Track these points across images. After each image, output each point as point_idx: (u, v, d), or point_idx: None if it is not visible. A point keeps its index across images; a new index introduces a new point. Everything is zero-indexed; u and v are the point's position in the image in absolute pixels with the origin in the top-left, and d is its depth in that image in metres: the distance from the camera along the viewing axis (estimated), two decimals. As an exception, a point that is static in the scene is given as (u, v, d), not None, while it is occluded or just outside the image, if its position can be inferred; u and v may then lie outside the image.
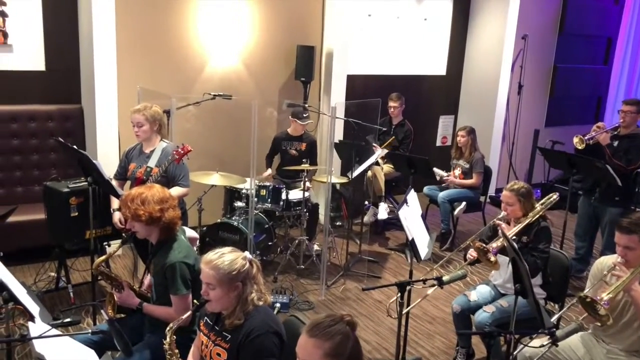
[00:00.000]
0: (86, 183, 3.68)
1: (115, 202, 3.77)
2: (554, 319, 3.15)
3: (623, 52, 8.22)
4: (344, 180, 5.27)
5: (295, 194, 5.13)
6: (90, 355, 2.19)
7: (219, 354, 2.27)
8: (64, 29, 5.05)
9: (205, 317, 2.41)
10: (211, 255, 2.28)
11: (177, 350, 2.33)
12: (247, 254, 2.34)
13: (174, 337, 2.32)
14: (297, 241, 5.09)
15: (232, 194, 5.11)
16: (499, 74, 7.13)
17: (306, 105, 5.27)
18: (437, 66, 7.31)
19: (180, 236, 2.86)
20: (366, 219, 5.90)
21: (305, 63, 5.74)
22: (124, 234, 3.71)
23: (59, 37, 5.04)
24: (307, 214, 5.09)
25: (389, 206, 6.05)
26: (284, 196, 4.99)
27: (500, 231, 3.38)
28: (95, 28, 4.71)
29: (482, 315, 3.40)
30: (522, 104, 7.55)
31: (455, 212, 5.75)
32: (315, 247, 5.28)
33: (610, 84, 8.29)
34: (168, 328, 2.33)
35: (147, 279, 3.13)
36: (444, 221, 5.79)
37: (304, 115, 5.28)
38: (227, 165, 5.07)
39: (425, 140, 7.24)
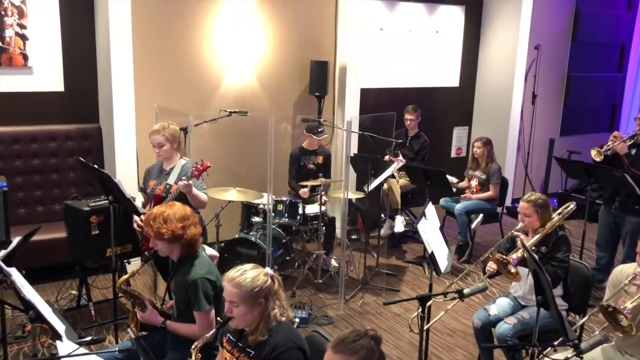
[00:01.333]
0: (106, 201, 3.74)
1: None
2: (575, 327, 3.12)
3: (637, 59, 8.18)
4: (360, 195, 5.28)
5: (312, 209, 5.15)
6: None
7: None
8: (82, 50, 5.15)
9: (228, 334, 2.43)
10: (233, 272, 2.30)
11: (201, 365, 2.35)
12: (268, 269, 2.36)
13: (199, 355, 2.33)
14: (314, 255, 5.10)
15: (249, 209, 5.14)
16: (513, 84, 7.12)
17: (321, 119, 5.29)
18: (450, 78, 7.33)
19: (202, 253, 2.89)
20: (383, 232, 5.89)
21: (319, 78, 5.79)
22: (146, 252, 3.75)
23: (77, 58, 5.14)
24: (324, 228, 5.10)
25: (405, 219, 6.05)
26: (300, 210, 5.01)
27: (519, 242, 3.37)
28: (113, 48, 4.80)
29: (503, 327, 3.38)
30: (536, 114, 7.53)
31: (473, 225, 5.73)
32: (333, 262, 5.28)
33: (625, 91, 8.24)
34: (193, 347, 2.35)
35: (170, 302, 3.15)
36: (461, 233, 5.77)
37: (319, 130, 5.31)
38: (244, 181, 5.11)
39: (440, 152, 7.23)
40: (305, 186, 5.19)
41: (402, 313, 4.62)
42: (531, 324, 3.22)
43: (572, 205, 3.60)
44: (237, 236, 4.89)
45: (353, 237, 6.17)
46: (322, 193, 4.98)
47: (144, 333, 3.01)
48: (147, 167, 4.08)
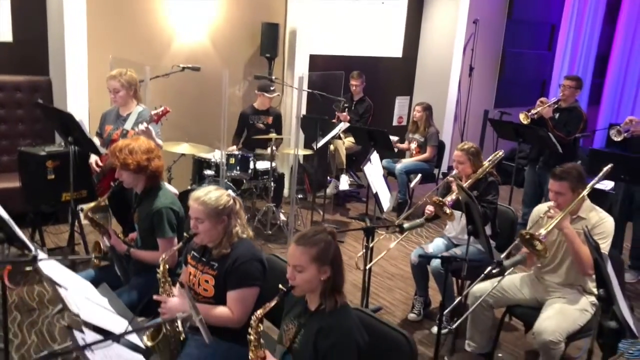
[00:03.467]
0: (61, 148, 3.83)
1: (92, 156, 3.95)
2: (503, 255, 3.49)
3: (565, 38, 8.78)
4: (309, 152, 5.54)
5: (262, 164, 5.37)
6: (87, 286, 2.37)
7: (207, 281, 2.52)
8: (32, 0, 5.11)
9: (192, 252, 2.65)
10: (199, 192, 2.52)
11: (169, 278, 2.56)
12: (230, 192, 2.59)
13: (166, 266, 2.55)
14: (264, 209, 5.33)
15: (201, 163, 5.29)
16: (452, 57, 7.54)
17: (273, 78, 5.48)
18: (394, 48, 7.65)
19: (165, 185, 3.07)
20: (328, 191, 6.20)
21: (270, 40, 5.97)
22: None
23: (27, 7, 5.09)
24: (273, 183, 5.34)
25: (349, 180, 6.37)
26: (251, 165, 5.22)
27: (454, 186, 3.73)
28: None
29: (436, 262, 3.74)
30: (472, 86, 7.99)
31: (412, 184, 6.05)
32: (282, 215, 5.54)
33: (554, 68, 8.84)
34: (160, 259, 2.56)
35: (132, 234, 3.31)
36: (400, 191, 6.14)
37: (271, 88, 5.51)
38: (196, 137, 5.25)
39: (382, 120, 7.55)
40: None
41: (346, 260, 4.92)
42: (462, 258, 3.60)
43: (500, 153, 4.00)
44: (189, 188, 5.06)
45: (300, 196, 6.43)
46: (273, 148, 5.20)
47: (106, 263, 3.18)
48: (102, 112, 4.18)
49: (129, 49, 5.32)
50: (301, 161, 6.07)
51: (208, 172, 5.15)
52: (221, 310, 2.44)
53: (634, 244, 5.03)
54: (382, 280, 4.66)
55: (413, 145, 6.26)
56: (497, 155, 3.96)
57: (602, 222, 3.16)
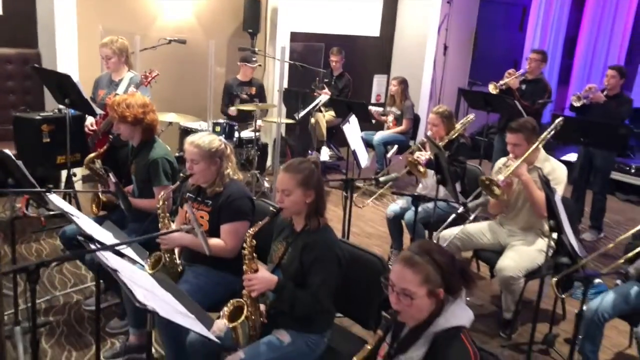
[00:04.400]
0: (55, 113, 4.04)
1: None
2: (469, 199, 3.81)
3: (535, 19, 9.16)
4: (291, 121, 5.82)
5: (246, 134, 5.63)
6: (91, 221, 2.61)
7: (202, 217, 2.79)
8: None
9: (188, 193, 2.92)
10: (193, 137, 2.79)
11: (168, 214, 2.83)
12: (222, 137, 2.86)
13: (165, 202, 2.81)
14: (249, 174, 5.61)
15: (187, 133, 5.53)
16: (427, 36, 7.86)
17: (256, 49, 5.73)
18: (372, 28, 7.94)
19: (159, 139, 3.33)
20: (309, 162, 6.47)
21: (252, 16, 6.22)
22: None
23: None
24: (258, 151, 5.61)
25: (330, 151, 6.67)
26: (236, 134, 5.48)
27: (427, 143, 4.05)
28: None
29: (410, 214, 4.05)
30: (447, 65, 8.33)
31: (389, 155, 6.41)
32: (265, 183, 5.81)
33: (525, 48, 9.21)
34: (160, 196, 2.82)
35: (127, 187, 3.55)
36: (378, 162, 6.45)
37: (253, 59, 5.77)
38: (182, 108, 5.49)
39: (361, 98, 7.83)
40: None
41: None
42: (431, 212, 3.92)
43: (471, 116, 4.33)
44: (176, 154, 5.29)
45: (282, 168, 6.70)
46: (257, 119, 5.46)
47: (105, 213, 3.42)
48: (95, 78, 4.40)
49: (118, 20, 5.51)
50: (283, 134, 6.34)
51: (194, 140, 5.39)
52: (216, 242, 2.72)
53: (594, 205, 5.41)
54: (361, 239, 4.97)
55: (390, 118, 6.57)
56: (468, 119, 4.29)
57: (556, 170, 3.50)
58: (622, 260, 2.81)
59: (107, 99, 4.19)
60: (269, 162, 6.31)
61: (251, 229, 2.32)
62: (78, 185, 4.97)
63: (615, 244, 3.01)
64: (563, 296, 2.65)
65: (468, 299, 4.06)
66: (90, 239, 2.11)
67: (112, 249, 2.05)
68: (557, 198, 2.66)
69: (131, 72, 4.27)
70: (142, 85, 4.03)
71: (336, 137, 7.02)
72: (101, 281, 3.04)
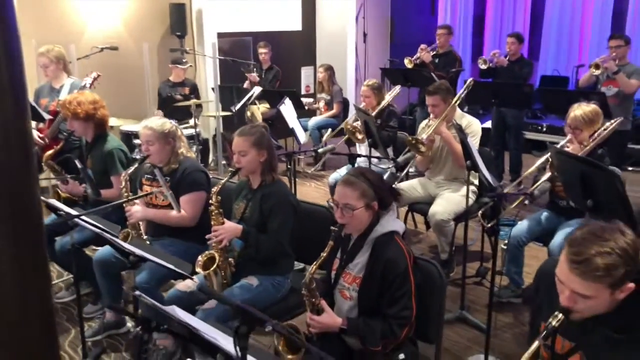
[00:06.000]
0: None
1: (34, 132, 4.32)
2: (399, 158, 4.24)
3: (444, 4, 9.83)
4: (228, 113, 6.11)
5: (186, 131, 5.86)
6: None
7: (165, 198, 3.07)
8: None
9: (146, 175, 3.19)
10: (146, 121, 3.07)
11: (130, 192, 3.09)
12: (173, 121, 3.16)
13: (128, 183, 3.07)
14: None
15: (129, 136, 5.72)
16: (346, 26, 8.33)
17: (187, 49, 5.99)
18: (294, 22, 8.32)
19: (110, 133, 3.57)
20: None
21: (178, 19, 6.46)
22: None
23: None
24: (200, 145, 5.87)
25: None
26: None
27: (357, 112, 4.47)
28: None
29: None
30: (368, 51, 8.84)
31: (324, 138, 6.84)
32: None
33: (437, 30, 9.86)
34: (122, 177, 3.08)
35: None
36: (315, 145, 6.84)
37: (184, 60, 6.02)
38: (123, 114, 5.66)
39: (291, 89, 8.25)
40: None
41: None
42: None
43: (397, 87, 4.81)
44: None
45: (224, 162, 6.98)
46: (195, 116, 5.72)
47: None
48: (35, 88, 4.55)
49: (50, 33, 5.60)
50: (221, 129, 6.61)
51: (137, 141, 5.59)
52: (177, 213, 3.01)
53: (511, 160, 6.02)
54: (307, 214, 5.34)
55: (321, 104, 6.98)
56: (395, 90, 4.77)
57: (471, 124, 3.99)
58: (530, 190, 3.31)
59: (51, 106, 4.38)
60: (211, 157, 6.57)
61: (214, 187, 2.64)
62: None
63: (524, 177, 3.54)
64: (489, 225, 3.09)
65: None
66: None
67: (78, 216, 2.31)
68: (470, 139, 3.12)
69: (71, 78, 4.45)
70: (87, 88, 4.23)
71: (273, 127, 7.35)
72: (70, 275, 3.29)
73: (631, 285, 1.40)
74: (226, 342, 1.56)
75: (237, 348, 1.35)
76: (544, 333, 1.42)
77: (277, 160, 2.76)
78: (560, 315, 1.41)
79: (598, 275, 1.36)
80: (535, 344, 1.42)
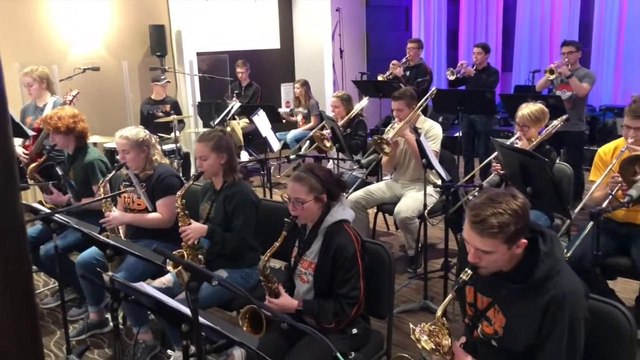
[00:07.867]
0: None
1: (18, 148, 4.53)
2: (363, 159, 4.50)
3: (418, 18, 10.19)
4: (209, 129, 6.34)
5: (168, 147, 6.10)
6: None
7: (138, 197, 3.29)
8: None
9: (123, 182, 3.41)
10: (121, 131, 3.30)
11: (109, 200, 3.31)
12: (146, 131, 3.39)
13: (107, 187, 3.28)
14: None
15: (112, 153, 5.93)
16: (323, 43, 8.64)
17: (166, 67, 6.24)
18: (272, 41, 8.63)
19: (91, 145, 3.80)
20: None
21: (158, 40, 6.72)
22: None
23: None
24: (181, 159, 6.09)
25: (249, 156, 7.24)
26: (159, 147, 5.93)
27: (325, 121, 4.73)
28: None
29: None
30: (345, 67, 9.14)
31: (302, 151, 7.08)
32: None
33: (412, 45, 10.19)
34: (100, 184, 3.30)
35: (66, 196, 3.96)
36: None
37: (162, 77, 6.27)
38: (106, 131, 5.86)
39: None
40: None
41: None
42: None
43: (365, 99, 5.08)
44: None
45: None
46: (177, 130, 5.95)
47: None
48: (21, 108, 4.78)
49: (33, 56, 5.83)
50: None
51: (119, 156, 5.80)
52: (153, 215, 3.23)
53: (482, 158, 6.29)
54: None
55: (299, 117, 7.24)
56: (364, 102, 5.05)
57: (432, 128, 4.24)
58: (482, 183, 3.56)
59: (35, 124, 4.60)
60: (192, 170, 6.78)
61: (179, 191, 2.87)
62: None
63: (479, 168, 3.80)
64: (449, 213, 3.34)
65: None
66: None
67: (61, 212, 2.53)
68: (422, 138, 3.38)
69: (54, 97, 4.68)
70: (67, 105, 4.45)
71: (253, 142, 7.60)
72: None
73: (524, 241, 1.65)
74: (187, 310, 1.77)
75: (189, 300, 1.57)
76: (456, 287, 1.65)
77: (237, 161, 2.99)
78: (469, 271, 1.65)
79: (493, 232, 1.60)
80: (450, 296, 1.66)
